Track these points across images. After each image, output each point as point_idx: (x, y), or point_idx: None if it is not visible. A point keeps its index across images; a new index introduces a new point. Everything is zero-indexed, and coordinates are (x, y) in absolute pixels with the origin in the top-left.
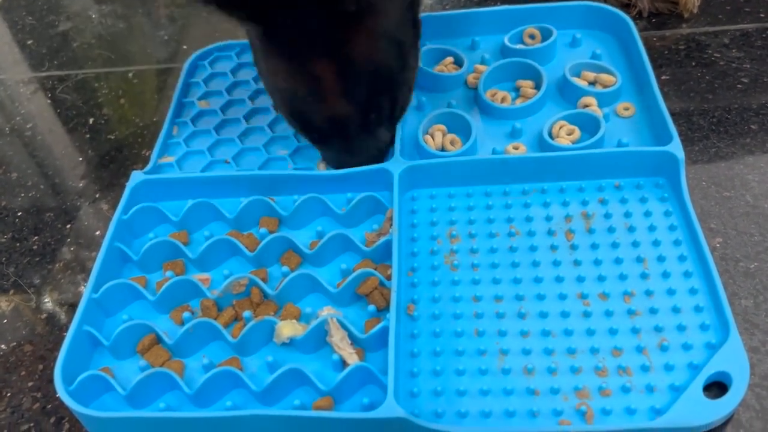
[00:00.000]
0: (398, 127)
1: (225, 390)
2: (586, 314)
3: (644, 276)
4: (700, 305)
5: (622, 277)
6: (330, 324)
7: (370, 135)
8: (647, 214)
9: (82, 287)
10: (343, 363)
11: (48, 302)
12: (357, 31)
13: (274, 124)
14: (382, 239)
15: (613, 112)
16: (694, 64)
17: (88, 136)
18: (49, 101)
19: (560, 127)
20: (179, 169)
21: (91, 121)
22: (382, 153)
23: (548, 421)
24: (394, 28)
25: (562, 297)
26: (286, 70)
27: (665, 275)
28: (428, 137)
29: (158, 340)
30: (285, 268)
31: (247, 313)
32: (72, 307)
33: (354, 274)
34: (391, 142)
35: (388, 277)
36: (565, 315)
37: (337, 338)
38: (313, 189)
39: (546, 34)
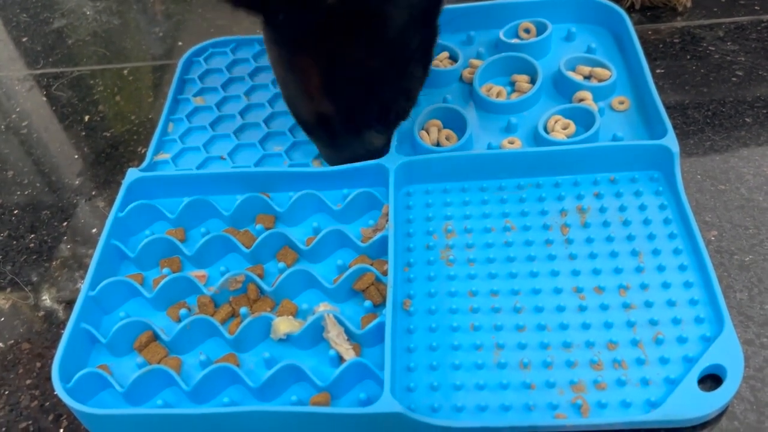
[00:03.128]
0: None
1: (222, 386)
2: (582, 308)
3: (639, 270)
4: (694, 298)
5: (618, 271)
6: (326, 320)
7: (357, 136)
8: (642, 207)
9: (79, 285)
10: (340, 358)
11: (45, 300)
12: (347, 32)
13: (270, 120)
14: (378, 235)
15: (608, 106)
16: (688, 57)
17: (83, 133)
18: (44, 99)
19: (555, 122)
20: (175, 166)
21: (86, 118)
22: (373, 154)
23: (544, 415)
24: (395, 34)
25: (558, 291)
26: (281, 60)
27: (660, 269)
28: (423, 132)
29: (155, 337)
30: (281, 265)
31: (243, 310)
32: (69, 304)
33: (350, 270)
34: (386, 145)
35: (384, 273)
36: (560, 309)
37: (334, 334)
38: (309, 185)
39: (541, 29)
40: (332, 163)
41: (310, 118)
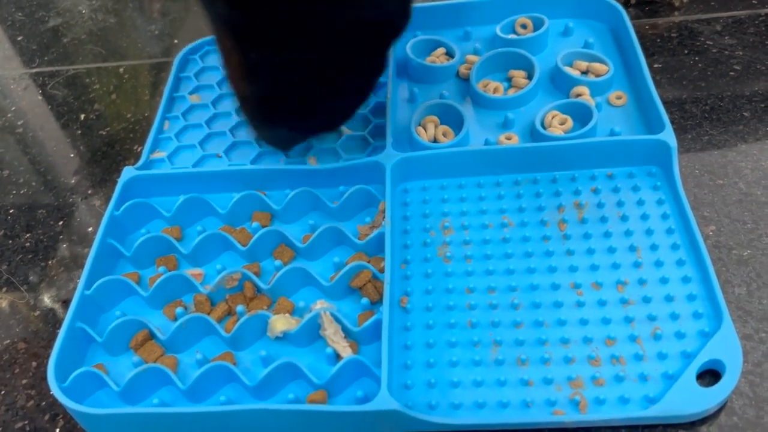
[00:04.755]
0: (389, 119)
1: (219, 385)
2: (579, 304)
3: (637, 265)
4: (693, 293)
5: (615, 267)
6: (323, 317)
7: (273, 128)
8: (640, 202)
9: (75, 284)
10: (337, 356)
11: (41, 299)
12: (277, 27)
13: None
14: (375, 232)
15: (606, 101)
16: (686, 51)
17: (79, 132)
18: (40, 97)
19: (553, 117)
20: (171, 164)
21: (82, 117)
22: (290, 143)
23: (542, 412)
24: (327, 51)
25: (555, 287)
26: (212, 26)
27: (658, 264)
28: (420, 129)
29: (151, 335)
30: (278, 262)
31: (240, 308)
32: (65, 303)
33: (347, 268)
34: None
35: (381, 270)
36: (558, 305)
37: (331, 331)
38: (305, 183)
39: (538, 24)
40: (257, 137)
41: (233, 90)
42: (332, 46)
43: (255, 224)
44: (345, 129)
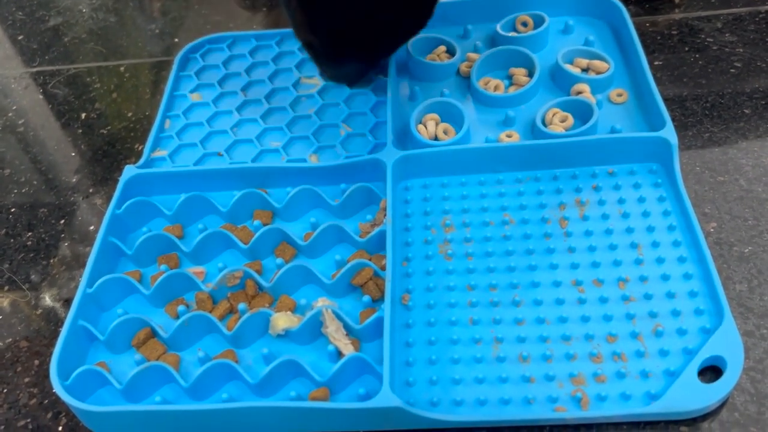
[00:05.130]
0: (389, 117)
1: (221, 382)
2: (581, 301)
3: (638, 262)
4: (694, 290)
5: (617, 264)
6: (325, 315)
7: (338, 65)
8: (641, 200)
9: (77, 282)
10: (339, 354)
11: (43, 298)
12: None
13: (267, 116)
14: (376, 230)
15: (606, 99)
16: (687, 49)
17: (80, 131)
18: (41, 96)
19: (553, 115)
20: (172, 162)
21: (83, 115)
22: (355, 80)
23: (544, 408)
24: None
25: (557, 284)
26: None
27: (659, 261)
28: (421, 126)
29: (153, 333)
30: (279, 260)
31: (242, 306)
32: (67, 302)
33: (348, 265)
34: (371, 77)
35: (383, 268)
36: (559, 302)
37: (333, 329)
38: (307, 180)
39: (538, 21)
40: (326, 76)
41: (299, 37)
42: None
43: (256, 222)
44: (345, 126)
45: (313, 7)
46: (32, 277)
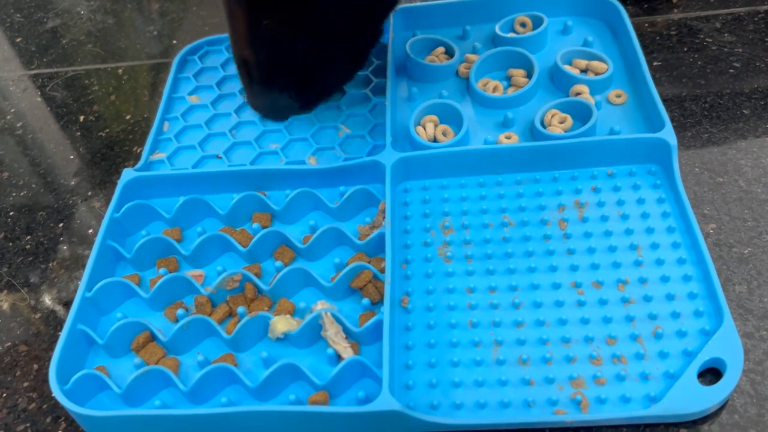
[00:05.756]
0: (388, 119)
1: (220, 386)
2: (580, 303)
3: (638, 264)
4: (694, 292)
5: (616, 265)
6: (324, 318)
7: (270, 93)
8: (640, 201)
9: (76, 286)
10: (338, 357)
11: (42, 302)
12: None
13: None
14: (375, 232)
15: (605, 100)
16: (685, 49)
17: (79, 133)
18: (39, 99)
19: (552, 116)
20: (170, 165)
21: (81, 118)
22: (285, 112)
23: (543, 411)
24: (326, 17)
25: (556, 286)
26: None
27: (659, 262)
28: (420, 128)
29: (153, 337)
30: (278, 263)
31: (241, 309)
32: (66, 306)
33: (348, 268)
34: (304, 108)
35: (382, 270)
36: (559, 304)
37: (332, 332)
38: (305, 183)
39: (537, 22)
40: (251, 104)
41: (235, 56)
42: (337, 15)
43: (255, 225)
44: (344, 128)
45: (259, 25)
46: (31, 280)
